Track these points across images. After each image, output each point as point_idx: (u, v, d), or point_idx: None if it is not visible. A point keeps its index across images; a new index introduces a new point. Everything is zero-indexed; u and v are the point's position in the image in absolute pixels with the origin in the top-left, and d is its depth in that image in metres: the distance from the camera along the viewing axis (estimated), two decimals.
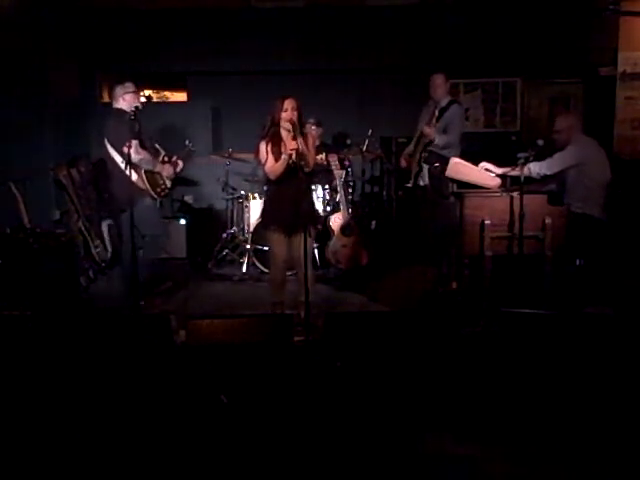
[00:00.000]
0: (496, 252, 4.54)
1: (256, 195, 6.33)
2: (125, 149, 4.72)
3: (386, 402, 3.32)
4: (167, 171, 5.22)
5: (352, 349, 3.66)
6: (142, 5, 7.00)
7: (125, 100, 5.04)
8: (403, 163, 5.93)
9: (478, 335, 3.79)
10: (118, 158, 4.92)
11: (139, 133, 4.96)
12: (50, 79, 6.42)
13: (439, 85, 5.67)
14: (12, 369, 3.42)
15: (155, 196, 5.10)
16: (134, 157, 4.78)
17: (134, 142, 4.80)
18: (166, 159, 5.29)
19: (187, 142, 5.71)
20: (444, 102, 5.66)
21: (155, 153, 5.23)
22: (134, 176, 4.86)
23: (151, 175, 5.06)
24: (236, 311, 5.13)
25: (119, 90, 5.09)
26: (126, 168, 4.65)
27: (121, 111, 5.02)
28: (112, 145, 4.96)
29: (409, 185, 5.80)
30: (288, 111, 4.38)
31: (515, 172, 4.57)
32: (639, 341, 3.50)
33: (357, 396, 3.34)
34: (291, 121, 4.33)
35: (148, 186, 5.01)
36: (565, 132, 4.97)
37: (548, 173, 4.83)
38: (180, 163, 5.36)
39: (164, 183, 5.19)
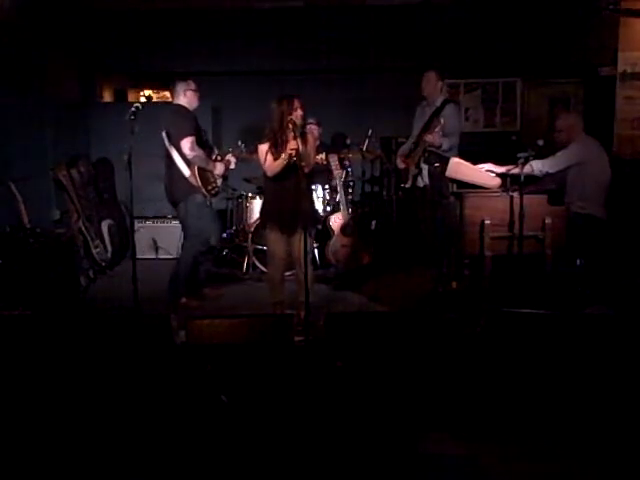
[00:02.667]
0: (496, 252, 4.54)
1: (256, 195, 6.33)
2: (182, 144, 4.88)
3: (386, 402, 3.32)
4: (219, 169, 5.25)
5: (352, 349, 3.65)
6: (142, 5, 7.00)
7: (186, 97, 5.10)
8: (401, 164, 5.92)
9: (478, 335, 3.79)
10: (174, 152, 4.98)
11: (198, 130, 5.07)
12: (50, 79, 6.42)
13: (428, 81, 5.62)
14: (12, 369, 3.42)
15: (206, 194, 5.12)
16: (188, 154, 4.92)
17: (190, 138, 4.92)
18: (219, 158, 5.33)
19: (239, 143, 5.81)
20: (438, 102, 5.63)
21: (209, 151, 5.28)
22: (187, 172, 4.96)
23: (203, 173, 5.08)
24: (236, 311, 5.13)
25: (181, 86, 5.12)
26: (183, 163, 4.90)
27: (182, 107, 5.09)
28: (169, 139, 5.00)
29: (406, 186, 5.80)
30: (297, 110, 4.38)
31: (516, 171, 4.57)
32: (639, 341, 3.49)
33: (357, 396, 3.34)
34: (291, 121, 4.32)
35: (200, 183, 5.03)
36: (566, 131, 4.96)
37: (551, 171, 4.82)
38: (233, 160, 5.41)
39: (215, 181, 5.22)
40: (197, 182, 5.01)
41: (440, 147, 5.40)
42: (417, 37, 7.19)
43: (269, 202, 4.75)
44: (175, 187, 5.07)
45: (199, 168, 5.03)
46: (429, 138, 5.40)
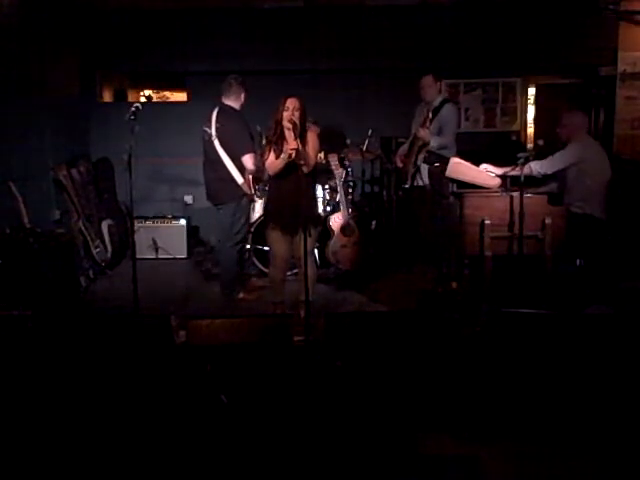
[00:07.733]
0: (496, 252, 4.54)
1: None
2: (244, 159, 5.05)
3: (386, 402, 3.32)
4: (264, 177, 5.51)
5: (352, 349, 3.65)
6: (142, 5, 6.99)
7: (240, 99, 5.26)
8: (399, 163, 5.94)
9: (478, 335, 3.79)
10: (225, 157, 5.13)
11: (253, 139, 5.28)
12: (50, 79, 6.41)
13: (429, 86, 5.67)
14: (12, 369, 3.42)
15: (254, 199, 5.50)
16: (251, 169, 5.12)
17: (254, 155, 5.09)
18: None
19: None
20: (437, 102, 5.66)
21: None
22: (241, 180, 5.14)
23: (251, 180, 5.31)
24: (236, 311, 5.13)
25: (240, 88, 5.26)
26: (236, 171, 5.12)
27: (240, 114, 5.25)
28: (221, 143, 5.12)
29: (406, 185, 5.81)
30: (289, 110, 4.38)
31: (515, 172, 4.57)
32: (639, 341, 3.49)
33: (357, 396, 3.34)
34: (291, 121, 4.33)
35: (253, 191, 5.35)
36: (569, 128, 4.96)
37: (549, 172, 4.84)
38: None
39: (257, 187, 5.61)
40: (251, 190, 5.26)
41: (429, 144, 5.44)
42: (417, 37, 7.18)
43: (271, 201, 4.76)
44: (226, 189, 5.19)
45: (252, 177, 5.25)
46: (420, 133, 5.48)
